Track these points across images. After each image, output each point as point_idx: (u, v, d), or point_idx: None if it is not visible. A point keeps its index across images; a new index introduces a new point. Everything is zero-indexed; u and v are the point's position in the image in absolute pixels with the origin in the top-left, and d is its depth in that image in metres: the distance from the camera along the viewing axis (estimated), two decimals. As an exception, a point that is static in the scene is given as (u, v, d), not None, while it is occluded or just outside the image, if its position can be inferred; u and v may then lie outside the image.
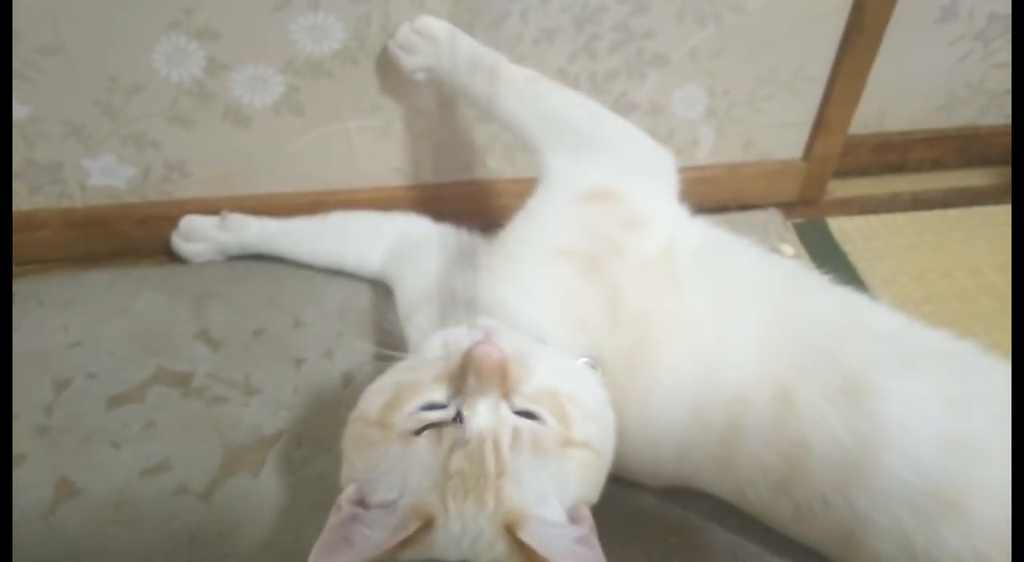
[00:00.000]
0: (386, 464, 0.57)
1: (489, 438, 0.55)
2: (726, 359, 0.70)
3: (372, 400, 0.61)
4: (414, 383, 0.59)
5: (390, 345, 0.66)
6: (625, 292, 0.72)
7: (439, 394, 0.58)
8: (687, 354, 0.70)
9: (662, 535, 0.78)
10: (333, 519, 0.56)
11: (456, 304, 0.73)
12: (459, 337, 0.60)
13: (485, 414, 0.56)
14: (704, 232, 0.80)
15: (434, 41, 0.89)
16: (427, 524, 0.54)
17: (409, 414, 0.57)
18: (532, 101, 0.85)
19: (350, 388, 0.88)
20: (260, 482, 0.81)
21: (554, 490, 0.56)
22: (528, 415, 0.57)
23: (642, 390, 0.69)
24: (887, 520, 0.64)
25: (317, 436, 0.85)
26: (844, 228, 1.18)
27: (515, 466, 0.55)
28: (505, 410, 0.56)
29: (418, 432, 0.56)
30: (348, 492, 0.58)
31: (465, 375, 0.57)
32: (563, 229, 0.76)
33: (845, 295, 0.76)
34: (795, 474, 0.67)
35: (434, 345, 0.62)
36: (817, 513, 0.67)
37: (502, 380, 0.57)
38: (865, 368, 0.67)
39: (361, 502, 0.57)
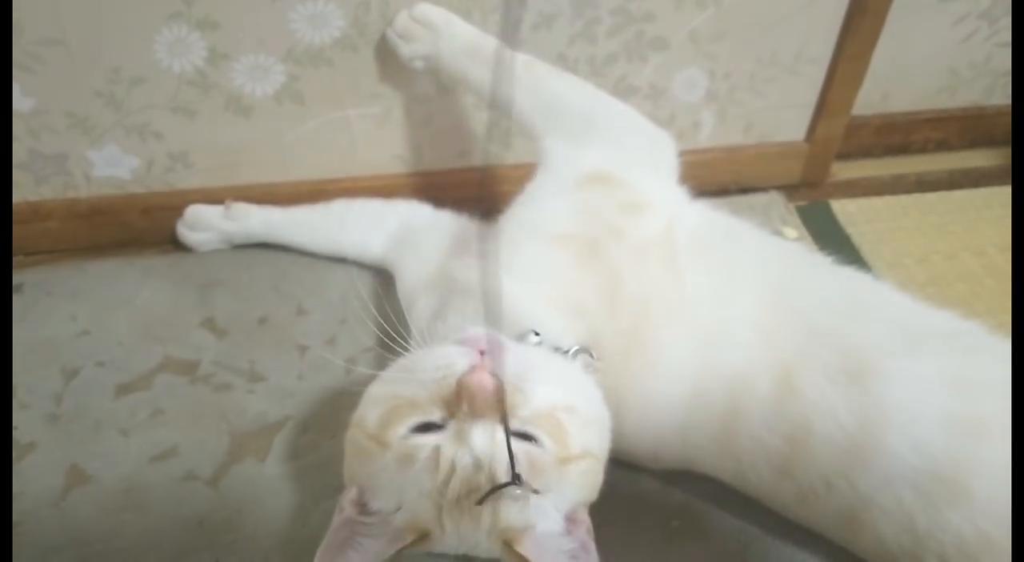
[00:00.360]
0: (384, 478, 0.57)
1: (484, 465, 0.55)
2: (727, 341, 0.69)
3: (370, 410, 0.60)
4: (410, 401, 0.58)
5: (392, 332, 0.66)
6: (624, 276, 0.71)
7: (434, 415, 0.57)
8: (687, 336, 0.70)
9: (664, 518, 0.78)
10: (336, 520, 0.58)
11: (455, 292, 0.73)
12: (453, 359, 0.59)
13: (480, 441, 0.55)
14: (704, 215, 0.79)
15: (432, 29, 0.89)
16: (423, 536, 0.55)
17: (403, 436, 0.57)
18: (531, 86, 0.84)
19: (353, 375, 0.88)
20: (266, 468, 0.82)
21: (552, 501, 0.57)
22: (525, 436, 0.57)
23: (642, 373, 0.69)
24: (890, 501, 0.64)
25: (321, 422, 0.85)
26: (848, 210, 1.17)
27: (511, 490, 0.55)
28: (500, 435, 0.56)
29: (414, 454, 0.56)
30: (350, 495, 0.59)
31: (459, 401, 0.56)
32: (562, 214, 0.76)
33: (847, 276, 0.76)
34: (797, 456, 0.67)
35: (426, 366, 0.60)
36: (820, 495, 0.67)
37: (496, 407, 0.56)
38: (868, 349, 0.67)
39: (362, 505, 0.58)
